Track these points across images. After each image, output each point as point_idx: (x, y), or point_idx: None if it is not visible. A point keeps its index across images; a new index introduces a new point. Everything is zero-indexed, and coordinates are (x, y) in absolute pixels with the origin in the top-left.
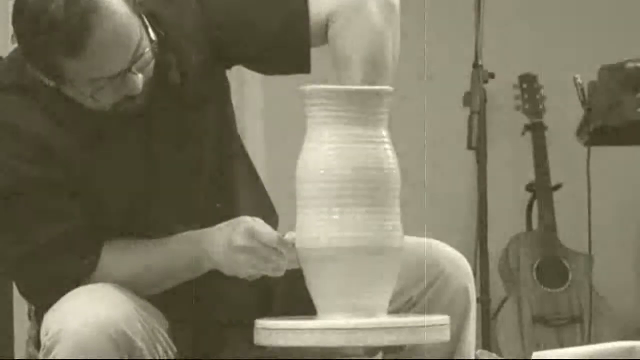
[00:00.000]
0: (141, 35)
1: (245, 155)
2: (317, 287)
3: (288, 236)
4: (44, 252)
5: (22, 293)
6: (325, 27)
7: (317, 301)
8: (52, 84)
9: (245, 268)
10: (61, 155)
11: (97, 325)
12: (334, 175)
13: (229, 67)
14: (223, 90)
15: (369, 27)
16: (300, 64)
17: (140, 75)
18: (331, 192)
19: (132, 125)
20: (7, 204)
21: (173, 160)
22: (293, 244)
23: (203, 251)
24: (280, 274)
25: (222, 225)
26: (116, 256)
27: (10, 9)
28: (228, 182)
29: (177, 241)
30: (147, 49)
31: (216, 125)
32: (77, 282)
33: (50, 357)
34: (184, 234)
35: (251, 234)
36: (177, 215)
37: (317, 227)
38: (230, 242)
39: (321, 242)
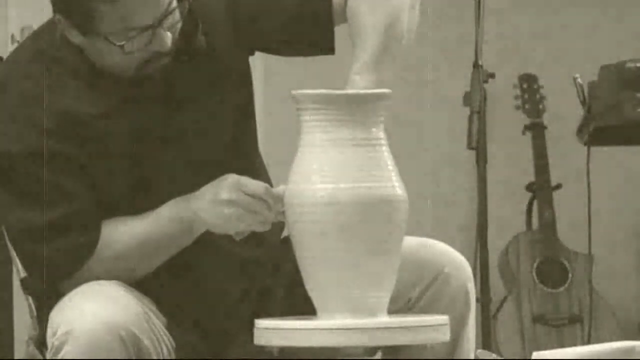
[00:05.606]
0: None
1: (258, 151)
2: (311, 269)
3: (279, 189)
4: (47, 231)
5: (22, 278)
6: (345, 3)
7: (314, 294)
8: (80, 39)
9: (232, 222)
10: (80, 125)
11: (107, 325)
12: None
13: (251, 53)
14: (246, 76)
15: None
16: (323, 44)
17: (169, 33)
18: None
19: (155, 92)
20: (16, 172)
21: (189, 133)
22: (281, 197)
23: (191, 211)
24: (267, 227)
25: (209, 184)
26: (111, 232)
27: (10, 10)
28: (241, 161)
29: (166, 206)
30: (176, 10)
31: (236, 108)
32: (77, 263)
33: (59, 357)
34: (174, 199)
35: (237, 186)
36: (188, 189)
37: (311, 178)
38: (216, 197)
39: (316, 192)
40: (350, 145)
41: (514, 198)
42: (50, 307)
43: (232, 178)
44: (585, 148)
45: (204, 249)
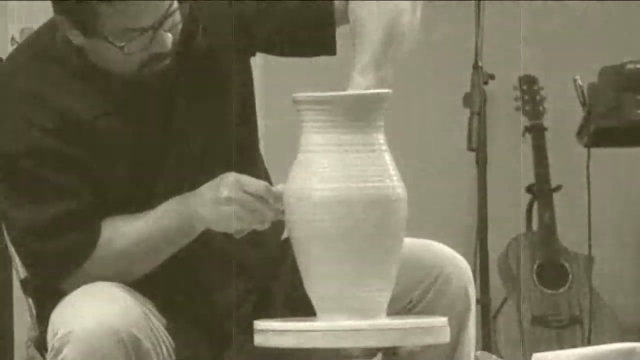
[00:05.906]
0: None
1: (259, 151)
2: (311, 269)
3: (279, 188)
4: (47, 229)
5: (22, 279)
6: (346, 4)
7: (313, 295)
8: (81, 40)
9: (231, 220)
10: (80, 125)
11: (107, 327)
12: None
13: (252, 54)
14: (247, 77)
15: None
16: (325, 45)
17: (169, 34)
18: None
19: (155, 93)
20: (17, 170)
21: (189, 134)
22: (281, 196)
23: (192, 209)
24: (267, 225)
25: (209, 182)
26: (111, 230)
27: (10, 10)
28: (241, 160)
29: (166, 204)
30: (177, 12)
31: (237, 109)
32: (78, 262)
33: (59, 359)
34: (174, 197)
35: (238, 184)
36: (188, 188)
37: (310, 178)
38: (216, 195)
39: (315, 192)
40: (350, 146)
41: (514, 199)
42: (50, 308)
43: (232, 176)
44: (586, 149)
45: (204, 249)
